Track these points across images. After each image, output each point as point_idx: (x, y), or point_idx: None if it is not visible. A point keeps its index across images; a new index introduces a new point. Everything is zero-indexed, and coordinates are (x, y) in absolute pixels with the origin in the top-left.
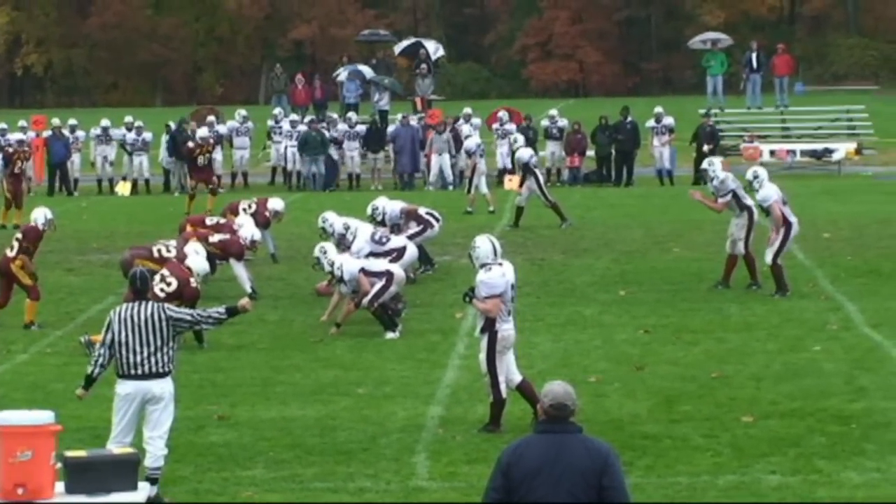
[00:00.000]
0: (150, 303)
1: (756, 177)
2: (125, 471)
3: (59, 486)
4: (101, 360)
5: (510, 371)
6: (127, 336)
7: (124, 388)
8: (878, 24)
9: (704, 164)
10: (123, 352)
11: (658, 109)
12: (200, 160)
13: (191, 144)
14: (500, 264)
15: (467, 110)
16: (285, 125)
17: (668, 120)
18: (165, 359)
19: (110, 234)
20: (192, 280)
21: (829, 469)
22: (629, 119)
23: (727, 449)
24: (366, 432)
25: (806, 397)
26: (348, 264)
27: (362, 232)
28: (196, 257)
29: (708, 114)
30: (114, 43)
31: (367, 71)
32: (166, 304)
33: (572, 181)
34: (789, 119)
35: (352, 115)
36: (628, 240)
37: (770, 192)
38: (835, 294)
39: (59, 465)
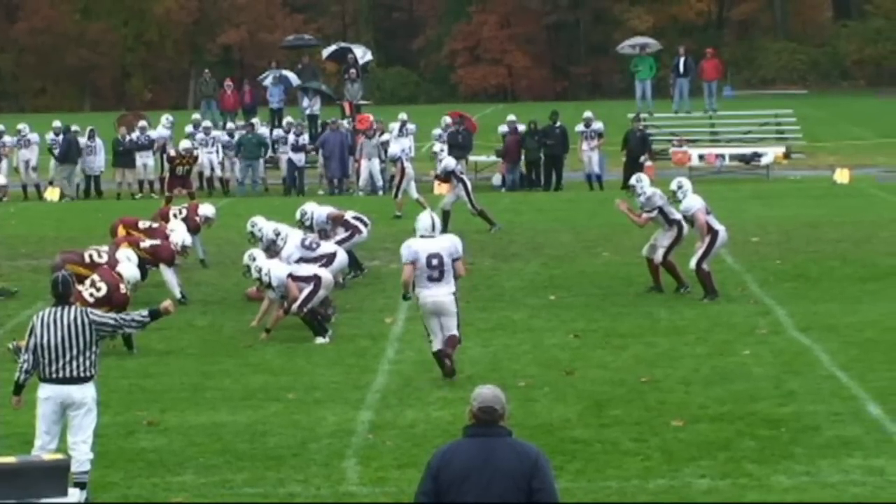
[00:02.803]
0: (72, 307)
1: (680, 187)
2: (55, 477)
3: None
4: (25, 365)
5: (444, 334)
6: (49, 340)
7: (44, 391)
8: (805, 29)
9: (633, 181)
10: (45, 355)
11: (587, 114)
12: (179, 170)
13: (172, 153)
14: (432, 237)
15: (402, 116)
16: (212, 132)
17: (598, 125)
18: (87, 363)
19: (39, 239)
20: (121, 286)
21: (759, 473)
22: (558, 124)
23: (657, 453)
24: (296, 437)
25: (735, 401)
26: (276, 270)
27: (292, 237)
28: (127, 264)
29: (638, 117)
30: (42, 48)
31: (292, 77)
32: (89, 309)
33: (500, 186)
34: (718, 123)
35: (288, 118)
36: (557, 244)
37: (693, 201)
38: (764, 298)
39: None
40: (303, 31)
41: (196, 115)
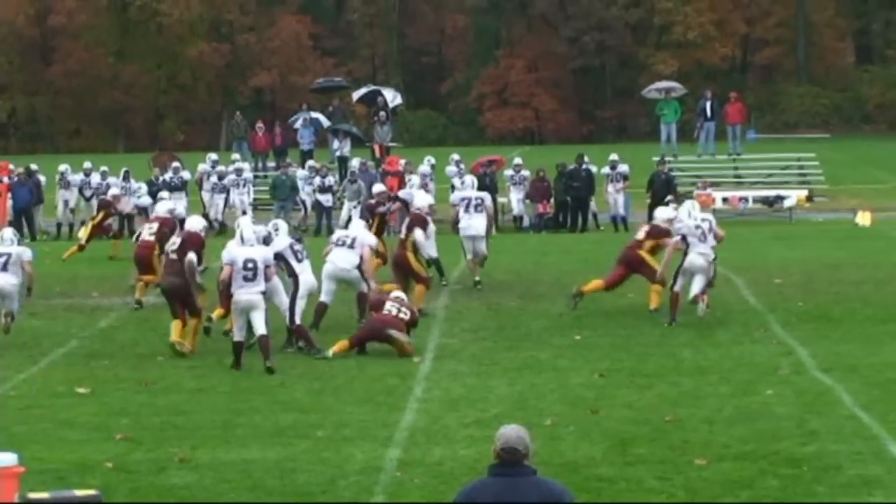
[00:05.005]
0: None
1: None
2: None
3: None
4: None
5: (255, 326)
6: None
7: None
8: (828, 73)
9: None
10: None
11: (613, 156)
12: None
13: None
14: (252, 246)
15: (455, 156)
16: (244, 174)
17: (623, 167)
18: None
19: (73, 277)
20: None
21: None
22: (584, 166)
23: (681, 491)
24: (325, 475)
25: (758, 440)
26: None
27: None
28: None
29: (663, 161)
30: (76, 90)
31: (323, 119)
32: None
33: (540, 228)
34: (741, 166)
35: (310, 162)
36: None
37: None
38: (786, 339)
39: None
40: (333, 75)
41: (236, 156)
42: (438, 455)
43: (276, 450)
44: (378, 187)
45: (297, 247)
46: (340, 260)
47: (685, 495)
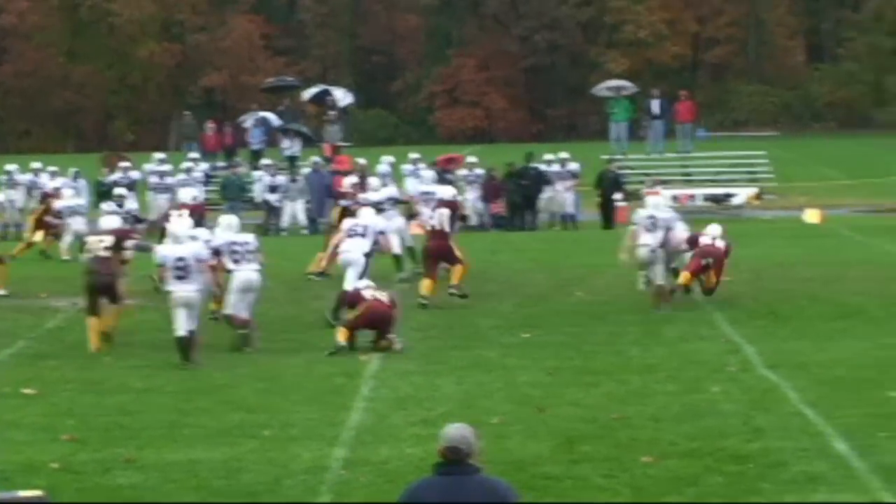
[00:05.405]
0: None
1: None
2: None
3: None
4: None
5: (184, 322)
6: None
7: None
8: (778, 72)
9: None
10: None
11: (563, 155)
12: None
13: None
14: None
15: (414, 154)
16: (194, 172)
17: (573, 165)
18: None
19: (22, 278)
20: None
21: None
22: (533, 164)
23: (627, 489)
24: (271, 474)
25: (704, 437)
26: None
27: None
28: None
29: (612, 159)
30: (27, 90)
31: (273, 119)
32: None
33: (492, 227)
34: (691, 164)
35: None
36: (532, 284)
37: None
38: (734, 336)
39: None
40: (284, 74)
41: (194, 154)
42: (385, 454)
43: (223, 450)
44: (350, 180)
45: (239, 248)
46: (349, 248)
47: (631, 493)
